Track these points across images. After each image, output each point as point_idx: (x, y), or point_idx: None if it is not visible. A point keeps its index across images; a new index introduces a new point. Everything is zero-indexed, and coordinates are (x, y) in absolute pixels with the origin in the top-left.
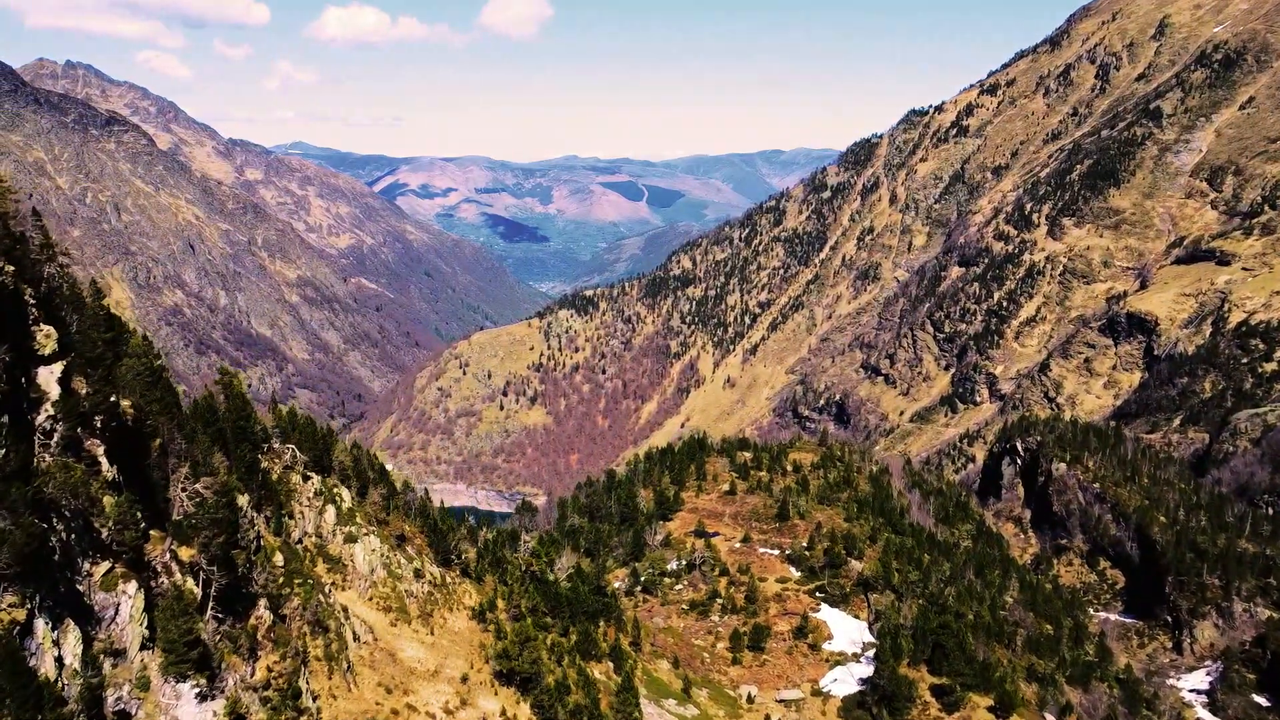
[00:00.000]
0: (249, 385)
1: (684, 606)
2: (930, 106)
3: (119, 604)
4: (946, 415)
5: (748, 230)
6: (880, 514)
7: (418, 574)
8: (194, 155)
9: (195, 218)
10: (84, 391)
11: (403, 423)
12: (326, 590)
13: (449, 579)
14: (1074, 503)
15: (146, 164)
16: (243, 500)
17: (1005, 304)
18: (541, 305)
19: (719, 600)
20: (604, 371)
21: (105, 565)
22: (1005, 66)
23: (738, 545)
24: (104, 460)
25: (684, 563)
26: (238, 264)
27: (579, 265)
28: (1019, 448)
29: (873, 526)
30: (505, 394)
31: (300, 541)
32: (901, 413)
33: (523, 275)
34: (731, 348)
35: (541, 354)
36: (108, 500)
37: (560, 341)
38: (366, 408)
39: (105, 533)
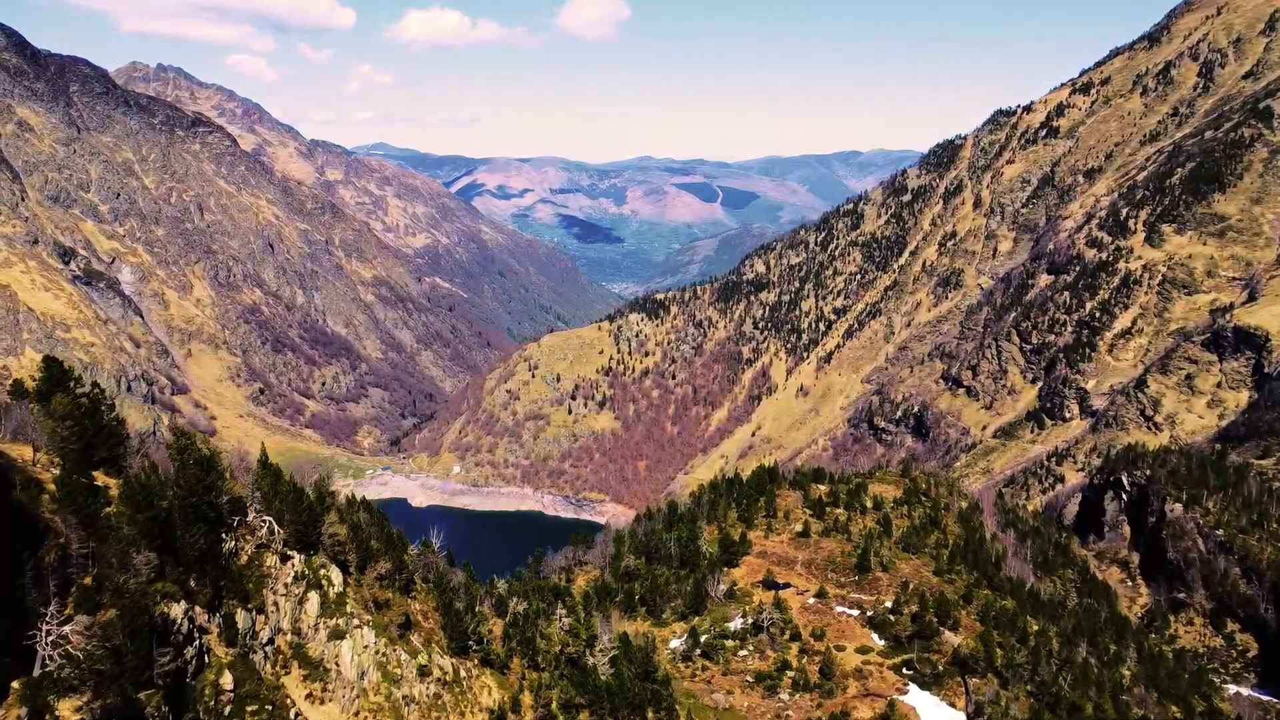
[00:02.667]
0: (323, 384)
1: (748, 678)
2: (1018, 106)
3: None
4: (1033, 431)
5: (824, 234)
6: (974, 565)
7: (422, 671)
8: (277, 155)
9: (275, 217)
10: None
11: (471, 424)
12: (293, 714)
13: (465, 671)
14: (1193, 550)
15: (229, 164)
16: (176, 610)
17: (1098, 315)
18: (614, 306)
19: (789, 673)
20: (674, 377)
21: None
22: (1099, 64)
23: (811, 601)
24: None
25: (750, 621)
26: (315, 263)
27: (652, 266)
28: (1125, 481)
29: (967, 582)
30: (574, 398)
31: (272, 641)
32: (984, 427)
33: (596, 276)
34: (805, 355)
35: (611, 358)
36: None
37: (630, 345)
38: (437, 408)
39: None
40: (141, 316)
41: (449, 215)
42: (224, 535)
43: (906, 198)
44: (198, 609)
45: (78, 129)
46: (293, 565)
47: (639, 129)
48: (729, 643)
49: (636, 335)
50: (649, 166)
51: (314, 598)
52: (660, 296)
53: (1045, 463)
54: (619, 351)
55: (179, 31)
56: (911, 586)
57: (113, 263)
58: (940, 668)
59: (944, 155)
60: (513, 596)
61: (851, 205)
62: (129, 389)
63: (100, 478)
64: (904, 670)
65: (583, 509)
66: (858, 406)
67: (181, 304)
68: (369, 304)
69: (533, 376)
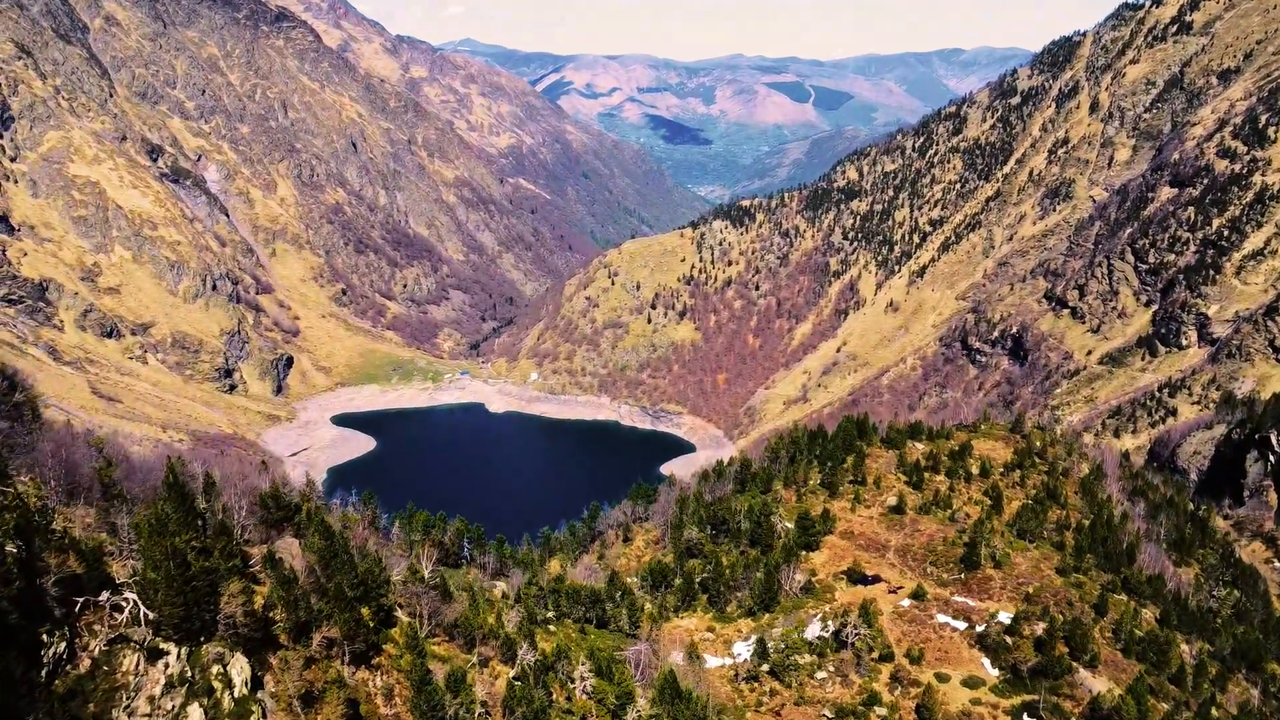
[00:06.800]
0: (404, 285)
1: (826, 713)
2: None
3: None
4: (1144, 359)
5: (922, 139)
6: (1105, 559)
7: None
8: (361, 52)
9: (358, 115)
10: None
11: (550, 331)
12: None
13: None
14: None
15: (313, 61)
16: None
17: (1227, 233)
18: (699, 211)
19: (878, 710)
20: (757, 288)
21: None
22: None
23: (906, 604)
24: None
25: (830, 630)
26: (398, 163)
27: (739, 169)
28: (1273, 440)
29: (1099, 585)
30: (654, 307)
31: None
32: (1089, 352)
33: (681, 178)
34: (897, 268)
35: (693, 266)
36: None
37: (713, 254)
38: (517, 312)
39: None
40: (227, 215)
41: (534, 115)
42: (48, 636)
43: (1015, 100)
44: None
45: (164, 24)
46: (166, 664)
47: (730, 24)
48: (804, 659)
49: (720, 243)
50: (739, 65)
51: (196, 713)
52: (746, 204)
53: (1156, 394)
54: (701, 260)
55: None
56: (1031, 593)
57: (199, 160)
58: None
59: (1059, 54)
60: (521, 645)
61: (953, 108)
62: (214, 288)
63: None
64: (1025, 717)
65: (660, 420)
66: (951, 325)
67: (266, 203)
68: (451, 205)
69: (612, 284)
